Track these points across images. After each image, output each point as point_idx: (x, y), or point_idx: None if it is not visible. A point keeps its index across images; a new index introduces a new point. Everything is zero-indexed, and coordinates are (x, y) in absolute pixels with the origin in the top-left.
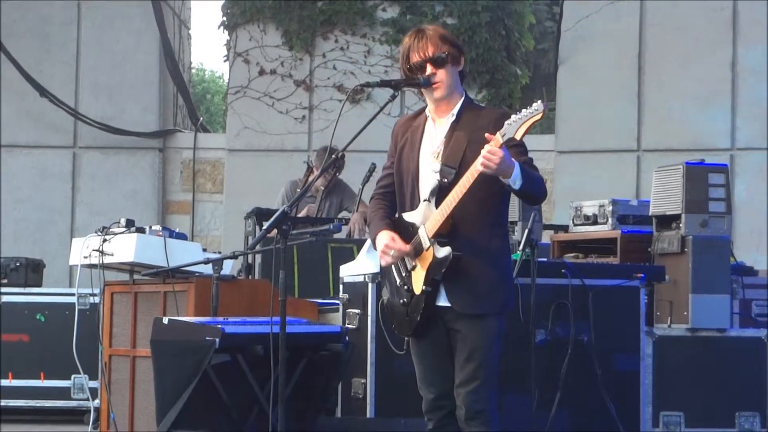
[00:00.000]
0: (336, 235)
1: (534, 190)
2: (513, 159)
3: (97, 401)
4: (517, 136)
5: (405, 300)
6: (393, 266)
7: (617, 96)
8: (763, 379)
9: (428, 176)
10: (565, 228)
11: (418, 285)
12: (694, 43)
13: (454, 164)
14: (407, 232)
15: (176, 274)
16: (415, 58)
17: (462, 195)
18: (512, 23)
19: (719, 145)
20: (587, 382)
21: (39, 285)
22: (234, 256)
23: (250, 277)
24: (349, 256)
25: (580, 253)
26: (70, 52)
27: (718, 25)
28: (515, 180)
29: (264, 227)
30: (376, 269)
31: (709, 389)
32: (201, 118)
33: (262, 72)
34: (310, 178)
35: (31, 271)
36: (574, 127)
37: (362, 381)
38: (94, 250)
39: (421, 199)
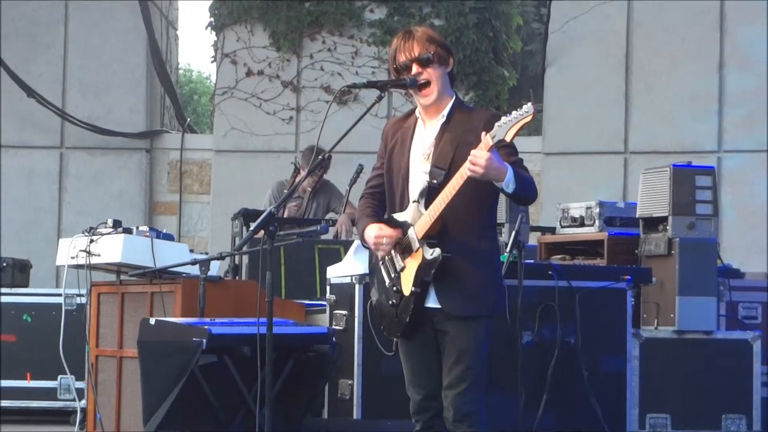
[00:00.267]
0: (323, 236)
1: (526, 193)
2: (504, 161)
3: (83, 402)
4: (507, 138)
5: (394, 301)
6: (382, 267)
7: (604, 98)
8: (749, 381)
9: (418, 177)
10: (552, 230)
11: (407, 286)
12: (681, 45)
13: (444, 166)
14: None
15: (163, 274)
16: (402, 58)
17: (451, 197)
18: (500, 25)
19: (706, 148)
20: (574, 384)
21: (26, 285)
22: (221, 257)
23: (237, 278)
24: (336, 257)
25: (567, 255)
26: (57, 53)
27: (705, 26)
28: (508, 183)
29: (251, 228)
30: (364, 270)
31: (695, 391)
32: (188, 119)
33: (249, 73)
34: (297, 179)
35: (17, 272)
36: (562, 128)
37: (349, 382)
38: (81, 251)
39: (411, 200)
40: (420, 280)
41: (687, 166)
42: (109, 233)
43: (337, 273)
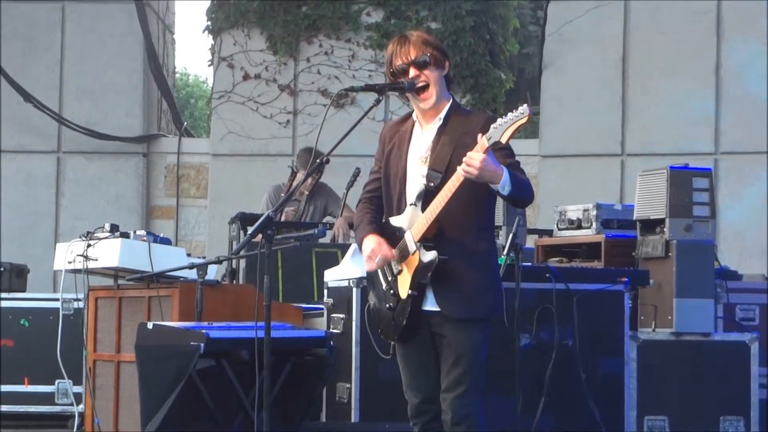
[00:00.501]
0: (321, 240)
1: (522, 195)
2: (500, 164)
3: (81, 406)
4: (503, 140)
5: (391, 304)
6: (379, 271)
7: (601, 100)
8: (747, 383)
9: (415, 180)
10: (549, 232)
11: (404, 289)
12: (678, 47)
13: (441, 168)
14: (393, 236)
15: (161, 279)
16: (399, 62)
17: (447, 199)
18: (496, 27)
19: (703, 150)
20: (572, 386)
21: (23, 290)
22: (218, 261)
23: (234, 282)
24: (334, 261)
25: (565, 258)
26: (54, 57)
27: (702, 28)
28: (504, 186)
29: (249, 232)
30: (361, 274)
31: (693, 393)
32: (185, 123)
33: (246, 76)
34: (294, 183)
35: (15, 276)
36: (559, 131)
37: (347, 386)
38: (78, 255)
39: (408, 204)
40: (417, 283)
41: (684, 168)
42: (106, 237)
43: (335, 276)
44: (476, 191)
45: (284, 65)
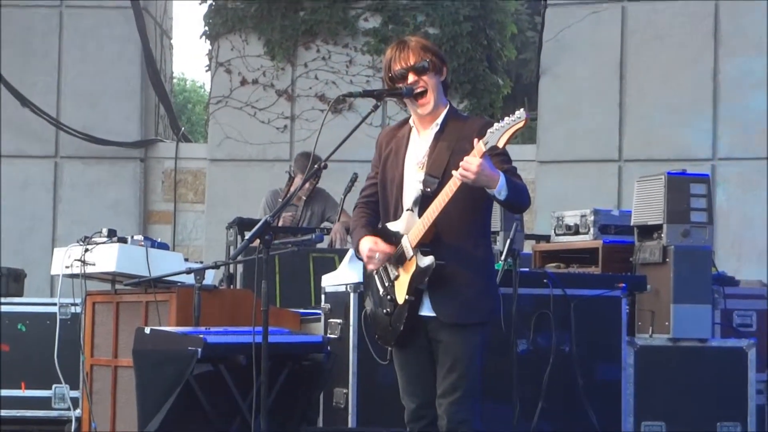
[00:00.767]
0: (318, 245)
1: (519, 200)
2: (496, 169)
3: (78, 411)
4: (500, 144)
5: (388, 310)
6: (376, 276)
7: (599, 106)
8: (744, 388)
9: (412, 186)
10: (546, 238)
11: (401, 294)
12: (675, 53)
13: (438, 174)
14: (390, 241)
15: (158, 284)
16: (397, 67)
17: (444, 204)
18: (494, 33)
19: (701, 155)
20: (569, 392)
21: (20, 295)
22: (216, 266)
23: (231, 287)
24: (331, 266)
25: (562, 263)
26: (52, 62)
27: (699, 34)
28: (500, 190)
29: (247, 237)
30: (358, 279)
31: (690, 399)
32: (182, 128)
33: (243, 82)
34: (292, 188)
35: (12, 281)
36: (556, 136)
37: (344, 391)
38: (75, 260)
39: (405, 209)
40: (414, 288)
41: (681, 174)
42: (103, 242)
43: (332, 282)
44: (473, 196)
45: (282, 70)
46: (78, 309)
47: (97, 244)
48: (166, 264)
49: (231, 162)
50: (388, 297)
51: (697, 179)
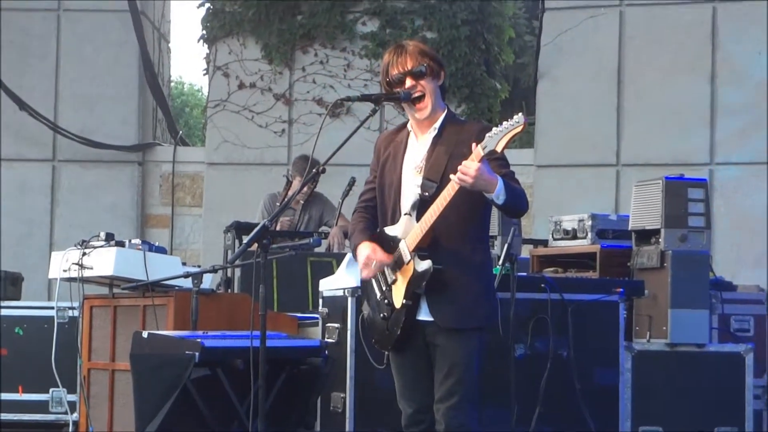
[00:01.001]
0: (316, 249)
1: (516, 204)
2: (495, 173)
3: (75, 415)
4: (498, 149)
5: (385, 314)
6: (374, 281)
7: (596, 110)
8: (741, 394)
9: (410, 190)
10: (544, 242)
11: (398, 299)
12: (673, 58)
13: (436, 178)
14: (388, 246)
15: (156, 287)
16: (395, 72)
17: (442, 209)
18: (492, 37)
19: (698, 160)
20: (567, 397)
21: (18, 298)
22: (214, 270)
23: (229, 291)
24: (329, 270)
25: (560, 268)
26: (50, 66)
27: (697, 39)
28: (498, 195)
29: (245, 241)
30: (356, 283)
31: (688, 404)
32: (180, 132)
33: (241, 86)
34: (290, 192)
35: (9, 285)
36: (554, 141)
37: (341, 395)
38: (73, 264)
39: (403, 213)
40: (411, 293)
41: (679, 179)
42: (101, 246)
43: (330, 286)
44: (471, 201)
45: (279, 74)
46: (75, 313)
47: (95, 247)
48: (164, 268)
49: (229, 166)
50: (386, 301)
51: (695, 184)
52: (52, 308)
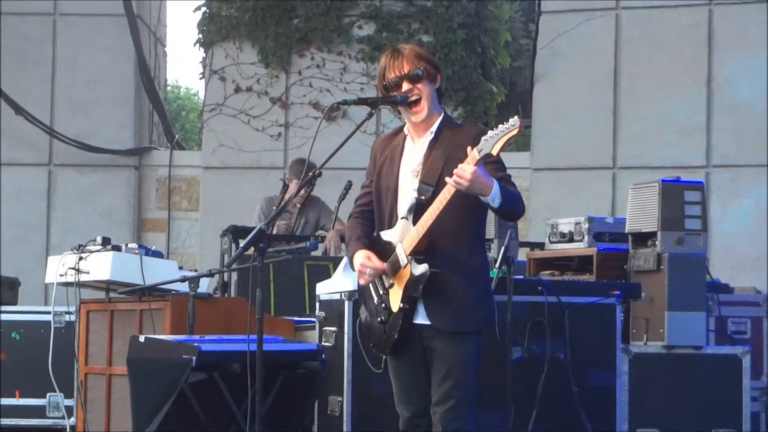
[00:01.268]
0: (312, 253)
1: (512, 208)
2: (491, 176)
3: (72, 419)
4: (494, 152)
5: (382, 318)
6: (371, 285)
7: (593, 113)
8: (738, 396)
9: (407, 194)
10: (541, 245)
11: (395, 303)
12: (669, 60)
13: (432, 182)
14: (385, 250)
15: (152, 292)
16: (391, 75)
17: (438, 212)
18: (488, 41)
19: (695, 163)
20: (564, 399)
21: (14, 303)
22: (210, 274)
23: (226, 295)
24: (326, 274)
25: (556, 271)
26: (46, 70)
27: (693, 41)
28: (494, 198)
29: (241, 245)
30: (353, 287)
31: (685, 406)
32: (177, 136)
33: (237, 89)
34: (287, 195)
35: (6, 289)
36: (550, 144)
37: (339, 399)
38: (70, 268)
39: (399, 217)
40: (408, 296)
41: (676, 182)
42: (98, 250)
43: (327, 290)
44: (468, 204)
45: (276, 78)
46: (72, 317)
47: (91, 252)
48: (161, 272)
49: (225, 170)
50: (383, 305)
51: (692, 186)
52: (49, 313)
